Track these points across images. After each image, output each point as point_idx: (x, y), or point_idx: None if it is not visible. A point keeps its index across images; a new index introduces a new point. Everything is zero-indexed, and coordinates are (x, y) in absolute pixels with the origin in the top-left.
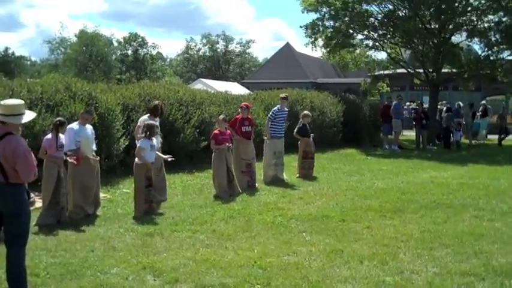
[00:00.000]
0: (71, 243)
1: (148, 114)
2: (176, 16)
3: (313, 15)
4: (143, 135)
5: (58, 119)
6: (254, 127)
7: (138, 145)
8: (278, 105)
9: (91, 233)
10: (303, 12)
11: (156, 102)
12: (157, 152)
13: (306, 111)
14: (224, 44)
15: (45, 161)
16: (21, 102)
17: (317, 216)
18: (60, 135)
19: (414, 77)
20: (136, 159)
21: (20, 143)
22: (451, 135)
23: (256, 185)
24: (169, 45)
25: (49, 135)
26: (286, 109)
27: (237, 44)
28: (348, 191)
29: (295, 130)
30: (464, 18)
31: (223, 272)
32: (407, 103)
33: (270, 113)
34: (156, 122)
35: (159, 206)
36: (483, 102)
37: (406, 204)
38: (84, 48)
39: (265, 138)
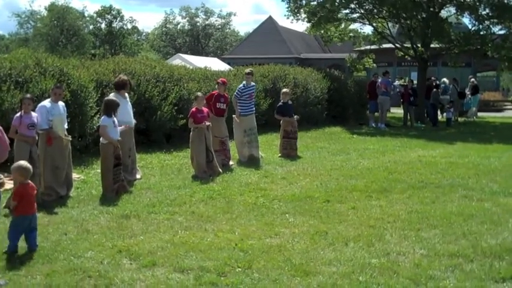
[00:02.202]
0: (43, 226)
1: (115, 91)
2: None
3: None
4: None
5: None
6: (228, 105)
7: (100, 124)
8: (244, 82)
9: (64, 215)
10: None
11: (121, 75)
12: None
13: (284, 89)
14: (204, 17)
15: (15, 140)
16: None
17: (300, 197)
18: (32, 113)
19: (401, 51)
20: (101, 139)
21: None
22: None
23: (231, 163)
24: (144, 18)
25: (18, 113)
26: (253, 84)
27: (217, 17)
28: (333, 170)
29: (275, 110)
30: None
31: (203, 255)
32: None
33: (236, 91)
34: (126, 97)
35: (130, 186)
36: (472, 79)
37: (392, 184)
38: (55, 21)
39: (234, 116)
